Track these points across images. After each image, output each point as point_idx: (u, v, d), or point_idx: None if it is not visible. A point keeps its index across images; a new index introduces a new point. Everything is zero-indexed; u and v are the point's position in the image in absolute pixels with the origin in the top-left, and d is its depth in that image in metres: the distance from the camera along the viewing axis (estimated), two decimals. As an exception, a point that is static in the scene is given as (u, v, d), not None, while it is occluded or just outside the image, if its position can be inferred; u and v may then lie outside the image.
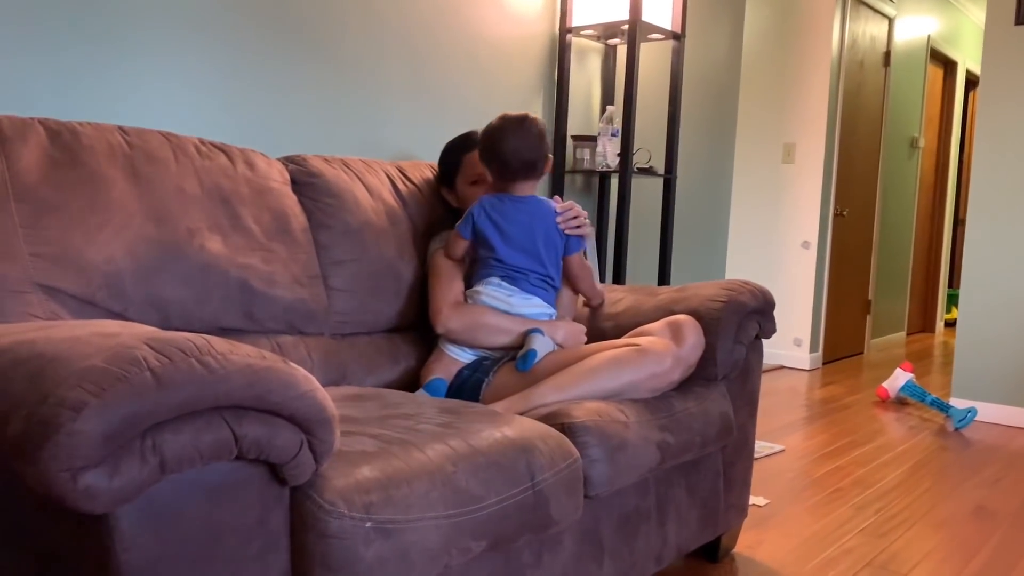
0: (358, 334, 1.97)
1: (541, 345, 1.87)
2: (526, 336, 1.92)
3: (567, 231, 2.01)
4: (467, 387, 1.89)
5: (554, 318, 2.03)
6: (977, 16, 6.95)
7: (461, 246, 2.01)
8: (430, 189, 2.21)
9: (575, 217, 2.03)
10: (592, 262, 2.61)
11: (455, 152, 2.18)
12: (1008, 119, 3.87)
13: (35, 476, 0.85)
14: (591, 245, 2.12)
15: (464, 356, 1.95)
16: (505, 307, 1.96)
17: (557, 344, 1.95)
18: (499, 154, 1.96)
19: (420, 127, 2.56)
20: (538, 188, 2.10)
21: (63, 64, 1.78)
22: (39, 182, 1.47)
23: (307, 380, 1.02)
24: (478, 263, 2.02)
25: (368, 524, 1.12)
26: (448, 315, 1.95)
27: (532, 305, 1.98)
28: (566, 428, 1.56)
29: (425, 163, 2.29)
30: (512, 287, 1.97)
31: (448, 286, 1.99)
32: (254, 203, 1.78)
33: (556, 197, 2.08)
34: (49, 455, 0.84)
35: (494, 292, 1.97)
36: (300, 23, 2.21)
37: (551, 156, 2.07)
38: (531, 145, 1.95)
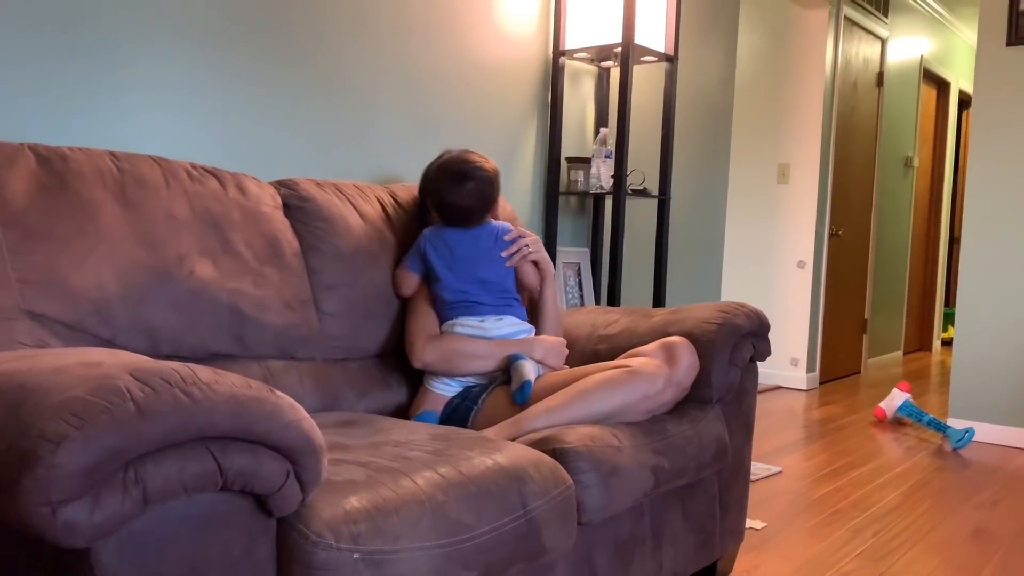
0: (350, 359, 1.96)
1: (531, 372, 1.86)
2: (511, 365, 1.90)
3: (510, 264, 2.02)
4: (456, 416, 1.88)
5: (531, 333, 2.02)
6: (969, 37, 7.00)
7: (411, 281, 2.00)
8: (422, 214, 2.20)
9: (518, 249, 2.01)
10: (559, 293, 2.59)
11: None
12: (1001, 139, 3.88)
13: (13, 510, 0.84)
14: (550, 272, 2.10)
15: (449, 389, 1.93)
16: (481, 333, 1.95)
17: (537, 363, 1.95)
18: (436, 200, 2.01)
19: (414, 150, 2.56)
20: (519, 209, 2.09)
21: (53, 89, 1.78)
22: (27, 208, 1.46)
23: (293, 409, 1.01)
24: (436, 301, 2.01)
25: (356, 555, 1.10)
26: (423, 348, 1.94)
27: (506, 325, 1.98)
28: (559, 454, 1.54)
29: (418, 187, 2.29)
30: (479, 316, 1.97)
31: (422, 319, 1.99)
32: (245, 227, 1.78)
33: (508, 225, 2.07)
34: (28, 489, 0.83)
35: (465, 321, 1.97)
36: (293, 47, 2.21)
37: (496, 199, 2.05)
38: (466, 198, 1.97)
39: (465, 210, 1.99)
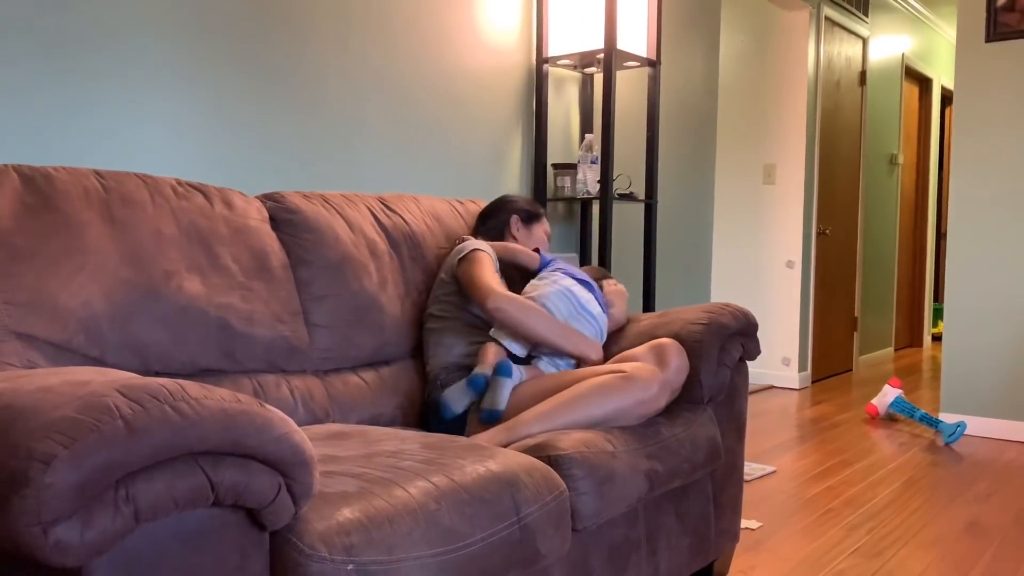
0: (341, 369, 1.96)
1: (503, 400, 1.82)
2: (492, 378, 1.85)
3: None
4: (454, 422, 1.88)
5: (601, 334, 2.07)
6: (949, 34, 7.05)
7: (534, 258, 2.16)
8: (414, 219, 2.21)
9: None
10: None
11: (539, 216, 2.34)
12: (983, 134, 3.91)
13: (4, 531, 0.84)
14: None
15: (516, 348, 1.95)
16: (570, 289, 2.02)
17: (590, 360, 1.97)
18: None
19: (401, 161, 2.57)
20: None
21: (38, 108, 1.78)
22: (13, 229, 1.46)
23: (283, 422, 1.01)
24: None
25: (350, 567, 1.10)
26: (501, 295, 1.92)
27: (594, 300, 2.05)
28: (552, 460, 1.55)
29: (409, 196, 2.29)
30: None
31: (497, 279, 2.01)
32: (232, 242, 1.78)
33: (536, 249, 2.19)
34: (18, 509, 0.83)
35: (562, 281, 2.04)
36: (277, 62, 2.22)
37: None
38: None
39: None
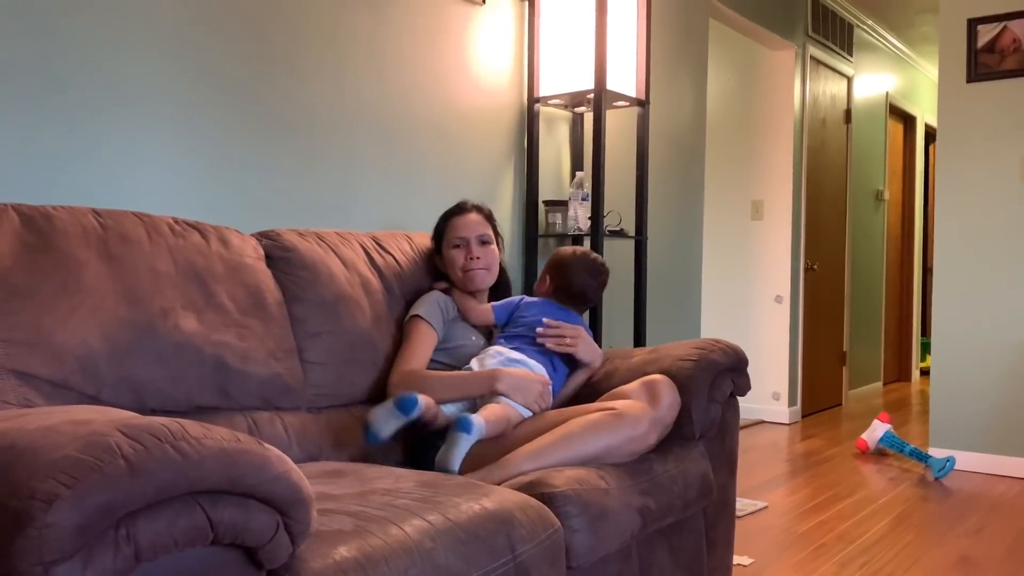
0: (335, 407, 1.96)
1: (457, 458, 1.74)
2: (449, 433, 1.77)
3: (549, 346, 2.06)
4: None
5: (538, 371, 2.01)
6: (932, 72, 7.19)
7: (487, 315, 2.15)
8: (406, 258, 2.23)
9: (557, 336, 2.08)
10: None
11: (443, 218, 2.26)
12: (967, 171, 3.98)
13: (6, 571, 0.84)
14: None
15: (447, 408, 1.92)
16: (473, 347, 2.07)
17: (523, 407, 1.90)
18: (566, 281, 2.17)
19: (394, 199, 2.60)
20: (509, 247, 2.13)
21: (36, 148, 1.80)
22: (11, 268, 1.48)
23: (281, 461, 1.02)
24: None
25: (347, 605, 1.10)
26: (393, 374, 1.98)
27: (503, 351, 2.02)
28: (546, 497, 1.55)
29: (401, 233, 2.32)
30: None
31: (412, 353, 2.01)
32: (228, 279, 1.79)
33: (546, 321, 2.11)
34: (20, 550, 0.83)
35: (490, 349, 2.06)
36: (271, 103, 2.25)
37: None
38: (594, 287, 2.19)
39: (586, 299, 2.18)
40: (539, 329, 2.07)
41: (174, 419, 0.99)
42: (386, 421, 1.76)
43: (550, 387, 1.99)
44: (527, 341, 2.07)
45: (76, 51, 1.85)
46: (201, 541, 0.96)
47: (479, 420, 1.77)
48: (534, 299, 2.19)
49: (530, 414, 1.92)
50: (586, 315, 3.28)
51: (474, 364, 2.01)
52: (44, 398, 1.46)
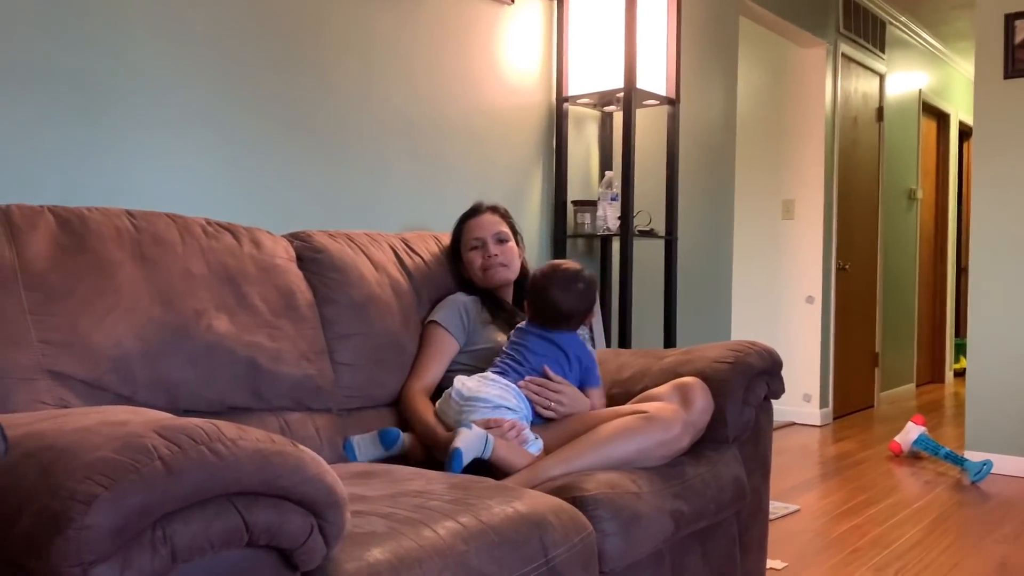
0: (365, 408, 1.96)
1: (467, 442, 1.66)
2: (456, 429, 1.72)
3: (533, 402, 1.90)
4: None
5: (519, 416, 1.84)
6: (966, 69, 7.07)
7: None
8: (434, 260, 2.22)
9: (540, 399, 1.90)
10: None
11: (459, 221, 2.24)
12: (1004, 169, 3.91)
13: (44, 572, 0.84)
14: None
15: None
16: (458, 389, 1.86)
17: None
18: (537, 300, 1.97)
19: (422, 199, 2.60)
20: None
21: (71, 151, 1.82)
22: (48, 269, 1.49)
23: (316, 463, 1.02)
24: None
25: (380, 608, 1.10)
26: (405, 394, 1.97)
27: (495, 387, 1.85)
28: (577, 501, 1.54)
29: (429, 234, 2.32)
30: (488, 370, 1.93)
31: (425, 364, 2.01)
32: (260, 281, 1.80)
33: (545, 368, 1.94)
34: (59, 550, 0.83)
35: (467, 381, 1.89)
36: (302, 104, 2.26)
37: (595, 308, 2.07)
38: (570, 300, 1.95)
39: (565, 315, 1.95)
40: (521, 384, 1.90)
41: (209, 420, 0.99)
42: (367, 447, 1.81)
43: (522, 422, 1.83)
44: (509, 367, 1.94)
45: (112, 55, 1.87)
46: (236, 543, 0.96)
47: (465, 459, 1.66)
48: (522, 324, 2.03)
49: (539, 450, 1.79)
50: (607, 314, 3.26)
51: (457, 384, 1.88)
52: (79, 398, 1.47)
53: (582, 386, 1.98)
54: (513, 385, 1.89)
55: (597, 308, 2.14)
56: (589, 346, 2.05)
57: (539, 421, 1.91)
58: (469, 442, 1.67)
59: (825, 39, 4.96)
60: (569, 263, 2.02)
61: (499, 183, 2.87)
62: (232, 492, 0.95)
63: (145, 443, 0.91)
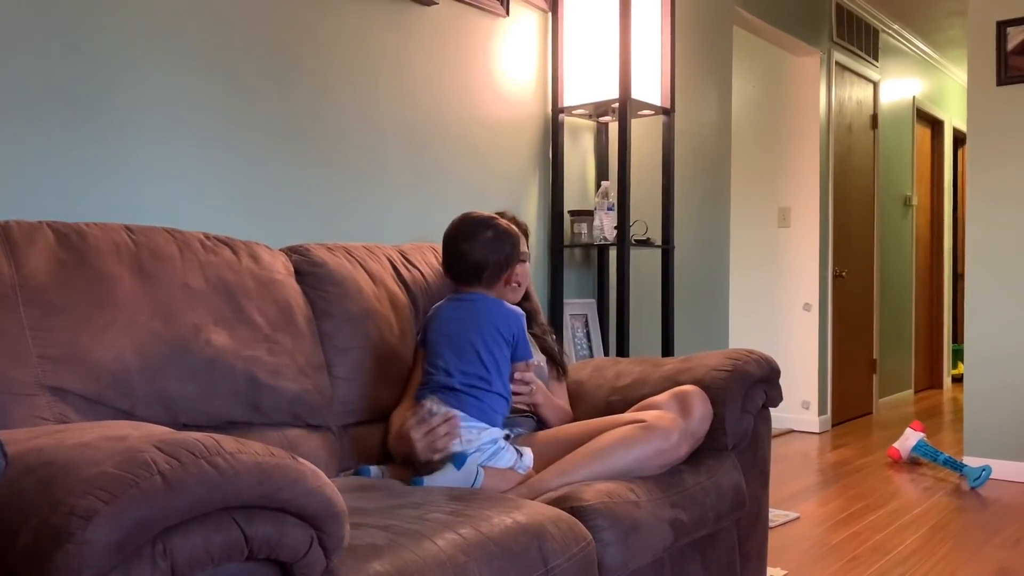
0: (363, 422, 1.96)
1: (450, 481, 1.64)
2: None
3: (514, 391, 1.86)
4: None
5: (499, 440, 1.75)
6: (959, 76, 7.11)
7: (418, 357, 1.97)
8: (432, 272, 2.23)
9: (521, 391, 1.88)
10: (568, 347, 2.32)
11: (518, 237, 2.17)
12: (998, 175, 3.93)
13: (45, 588, 0.85)
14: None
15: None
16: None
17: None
18: (446, 253, 1.89)
19: (421, 211, 2.60)
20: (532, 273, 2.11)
21: (69, 166, 1.82)
22: (47, 285, 1.50)
23: (315, 475, 1.02)
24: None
25: (381, 620, 1.10)
26: (392, 416, 1.93)
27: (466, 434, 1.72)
28: (576, 511, 1.54)
29: (427, 245, 2.32)
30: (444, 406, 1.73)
31: (414, 386, 1.94)
32: (259, 295, 1.80)
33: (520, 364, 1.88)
34: (59, 566, 0.84)
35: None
36: (299, 118, 2.27)
37: (513, 261, 1.89)
38: (478, 250, 1.82)
39: (474, 264, 1.82)
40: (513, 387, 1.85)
41: (208, 434, 0.99)
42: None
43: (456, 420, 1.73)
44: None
45: (108, 70, 1.88)
46: (237, 556, 0.96)
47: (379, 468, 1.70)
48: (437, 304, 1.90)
49: (527, 469, 1.75)
50: (605, 323, 3.26)
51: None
52: (78, 413, 1.47)
53: (513, 360, 1.85)
54: (459, 412, 1.73)
55: (527, 270, 2.04)
56: (523, 322, 1.87)
57: (531, 428, 1.92)
58: (454, 481, 1.64)
59: (818, 47, 4.99)
60: (482, 212, 1.89)
61: (496, 193, 2.88)
62: (232, 506, 0.95)
63: (145, 458, 0.91)
